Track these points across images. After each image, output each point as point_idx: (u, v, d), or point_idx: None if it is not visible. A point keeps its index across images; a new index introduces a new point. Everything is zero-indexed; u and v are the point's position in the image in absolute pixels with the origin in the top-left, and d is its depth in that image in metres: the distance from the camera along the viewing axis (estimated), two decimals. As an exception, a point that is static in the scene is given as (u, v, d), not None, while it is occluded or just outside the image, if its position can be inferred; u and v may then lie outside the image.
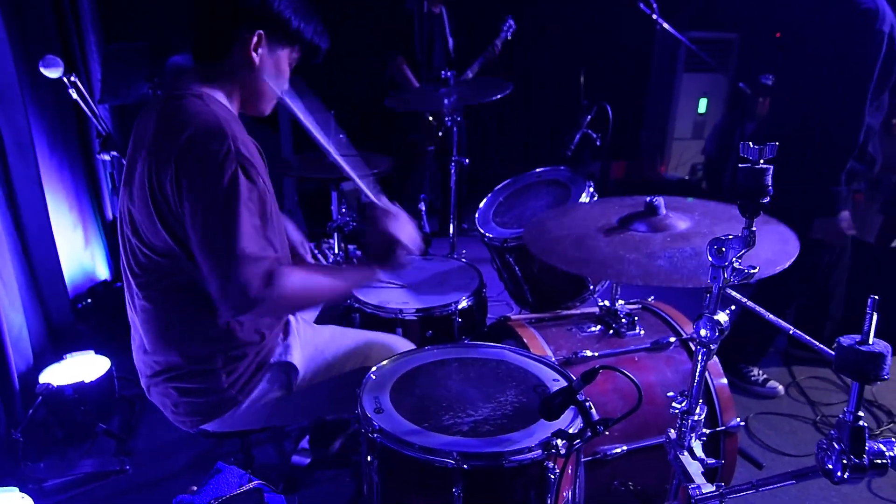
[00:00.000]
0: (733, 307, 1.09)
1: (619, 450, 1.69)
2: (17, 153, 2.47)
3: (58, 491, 2.21)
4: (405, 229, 1.54)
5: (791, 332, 1.07)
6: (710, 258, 1.03)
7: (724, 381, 1.77)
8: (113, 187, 2.48)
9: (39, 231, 2.66)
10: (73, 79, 2.17)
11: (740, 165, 0.96)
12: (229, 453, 2.40)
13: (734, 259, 1.00)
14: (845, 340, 0.85)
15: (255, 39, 1.40)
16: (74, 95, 2.21)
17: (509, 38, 3.69)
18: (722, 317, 1.05)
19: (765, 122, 4.38)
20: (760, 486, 0.97)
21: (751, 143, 0.94)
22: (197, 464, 2.37)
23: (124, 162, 2.45)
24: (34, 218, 2.61)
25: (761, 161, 0.94)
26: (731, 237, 1.00)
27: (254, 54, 1.41)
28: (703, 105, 5.45)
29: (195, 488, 1.31)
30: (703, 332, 1.06)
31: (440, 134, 3.72)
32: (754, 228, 0.97)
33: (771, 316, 1.11)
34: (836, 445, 0.85)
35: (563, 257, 1.42)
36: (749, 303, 1.17)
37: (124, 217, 1.44)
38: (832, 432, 0.87)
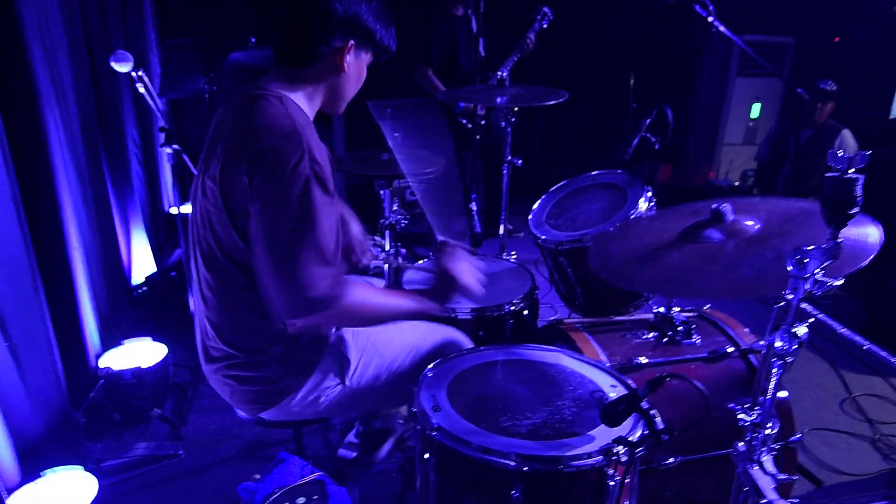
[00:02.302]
0: (811, 319, 1.05)
1: (671, 460, 1.66)
2: (87, 149, 2.55)
3: (114, 472, 2.28)
4: (467, 271, 1.59)
5: (866, 347, 1.03)
6: (790, 269, 0.99)
7: (786, 393, 1.71)
8: (174, 179, 2.53)
9: (102, 221, 2.75)
10: (140, 73, 2.23)
11: (826, 175, 0.93)
12: (279, 442, 2.44)
13: (817, 270, 0.97)
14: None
15: (347, 50, 1.43)
16: (141, 89, 2.27)
17: (545, 26, 3.52)
18: (801, 329, 1.01)
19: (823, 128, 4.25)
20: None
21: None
22: (247, 452, 2.41)
23: (185, 156, 2.53)
24: (99, 208, 2.69)
25: (851, 170, 0.91)
26: (812, 248, 0.97)
27: (345, 63, 1.44)
28: (755, 110, 5.31)
29: (258, 476, 1.33)
30: (778, 344, 1.03)
31: (478, 138, 3.72)
32: (840, 240, 0.93)
33: (843, 329, 1.07)
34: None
35: (640, 281, 1.39)
36: (824, 317, 1.13)
37: (196, 210, 1.47)
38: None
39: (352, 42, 1.43)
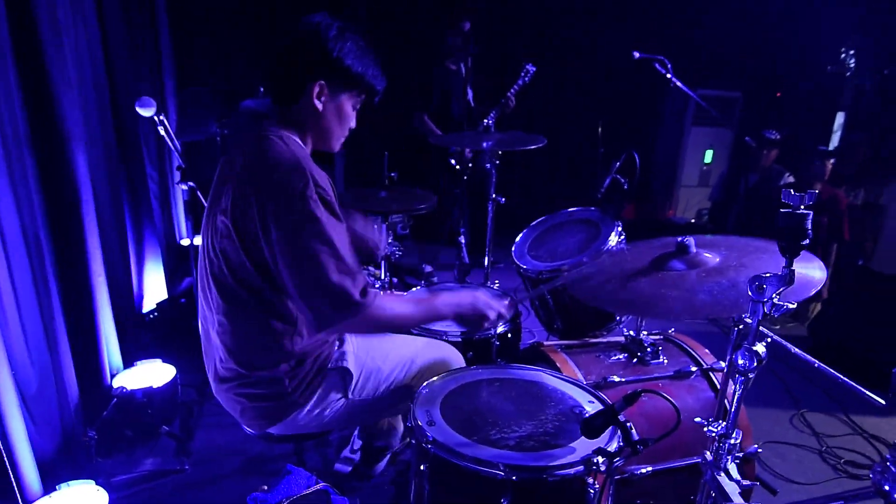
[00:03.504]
0: (769, 339, 1.07)
1: (644, 470, 1.66)
2: (110, 185, 2.55)
3: (124, 486, 2.22)
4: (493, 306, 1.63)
5: (816, 365, 1.06)
6: (750, 294, 1.02)
7: (742, 407, 1.73)
8: (188, 214, 2.52)
9: (119, 251, 2.72)
10: (161, 117, 2.25)
11: (781, 210, 0.96)
12: (280, 457, 2.39)
13: (773, 295, 0.99)
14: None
15: (316, 89, 1.42)
16: (161, 132, 2.28)
17: (527, 82, 3.58)
18: (760, 348, 1.03)
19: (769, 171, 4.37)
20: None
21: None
22: (250, 466, 2.36)
23: (199, 193, 2.52)
24: (115, 240, 2.67)
25: (802, 206, 0.94)
26: (769, 275, 1.00)
27: (317, 102, 1.43)
28: (708, 156, 5.46)
29: (266, 488, 1.30)
30: (740, 362, 1.05)
31: (465, 178, 3.78)
32: (794, 268, 0.96)
33: (795, 349, 1.09)
34: (892, 468, 0.83)
35: (612, 301, 1.42)
36: (776, 338, 1.16)
37: (207, 241, 1.47)
38: (888, 455, 0.85)
39: (321, 83, 1.41)
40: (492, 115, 3.63)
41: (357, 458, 2.29)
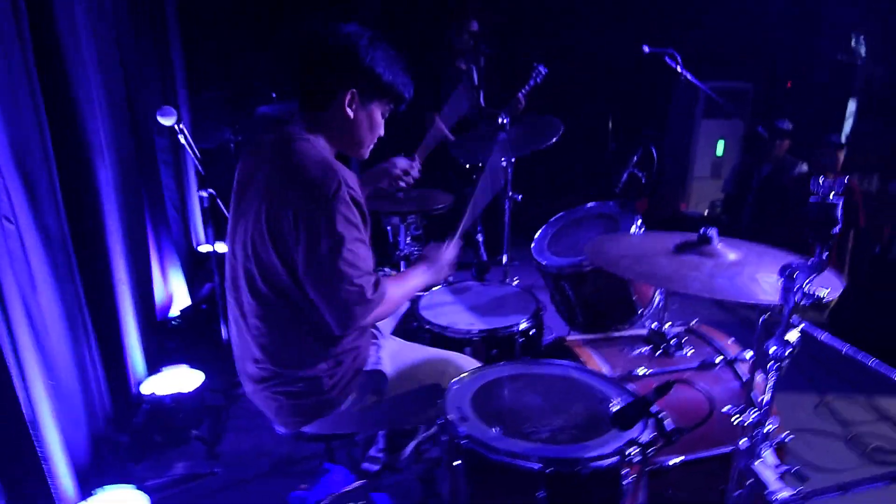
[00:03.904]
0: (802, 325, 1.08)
1: (675, 461, 1.67)
2: (131, 193, 2.59)
3: (157, 490, 2.25)
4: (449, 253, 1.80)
5: (871, 363, 1.06)
6: (781, 283, 1.03)
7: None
8: (209, 220, 2.55)
9: (140, 259, 2.77)
10: (181, 126, 2.28)
11: (811, 199, 0.98)
12: (307, 458, 2.42)
13: (805, 283, 1.00)
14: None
15: (349, 97, 1.44)
16: (182, 140, 2.31)
17: (539, 82, 3.58)
18: (792, 335, 1.04)
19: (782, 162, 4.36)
20: (849, 487, 0.95)
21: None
22: (279, 468, 2.39)
23: (218, 200, 2.55)
24: (139, 247, 2.72)
25: (831, 195, 0.95)
26: (800, 263, 1.01)
27: (348, 109, 1.45)
28: (720, 147, 5.44)
29: (305, 486, 1.33)
30: (773, 350, 1.06)
31: (474, 177, 3.78)
32: (824, 257, 0.97)
33: (823, 336, 1.10)
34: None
35: (628, 270, 1.44)
36: (807, 325, 1.16)
37: (237, 246, 1.50)
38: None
39: (353, 91, 1.44)
40: (502, 115, 3.64)
41: (383, 456, 2.32)
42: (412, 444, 2.19)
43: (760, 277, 1.21)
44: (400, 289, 1.57)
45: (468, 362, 1.78)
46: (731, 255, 1.47)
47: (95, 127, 2.24)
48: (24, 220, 1.78)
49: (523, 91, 3.53)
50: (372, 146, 1.58)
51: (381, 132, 1.57)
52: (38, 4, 1.91)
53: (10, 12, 1.72)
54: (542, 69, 3.46)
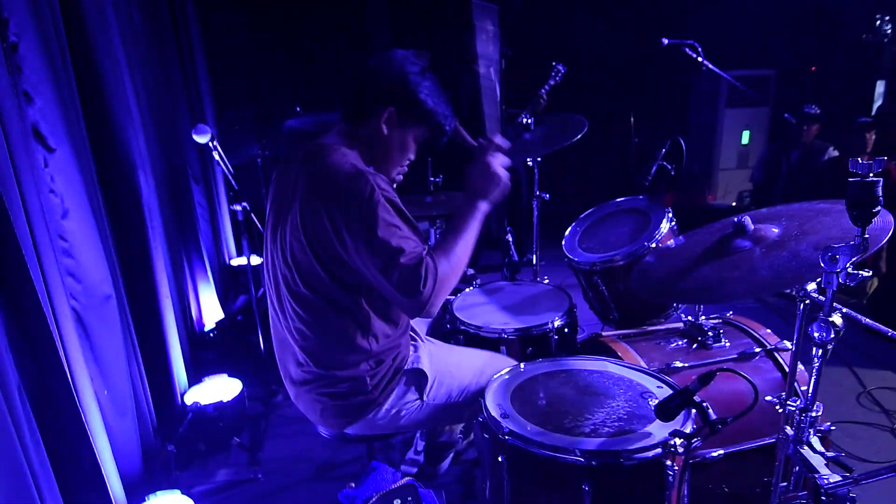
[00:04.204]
0: (845, 309, 1.07)
1: (716, 453, 1.65)
2: (168, 209, 2.67)
3: (203, 496, 2.31)
4: (498, 163, 1.54)
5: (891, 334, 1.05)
6: (822, 265, 1.02)
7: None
8: (244, 233, 2.61)
9: (178, 273, 2.85)
10: (215, 143, 2.35)
11: (850, 179, 0.97)
12: (347, 462, 2.46)
13: (847, 265, 1.00)
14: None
15: (386, 115, 1.49)
16: (216, 156, 2.38)
17: (558, 81, 3.57)
18: (837, 318, 1.04)
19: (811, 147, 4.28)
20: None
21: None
22: (319, 472, 2.43)
23: (252, 214, 2.61)
24: (176, 262, 2.79)
25: (870, 174, 0.95)
26: (842, 245, 1.00)
27: (383, 125, 1.50)
28: (745, 137, 5.37)
29: (353, 485, 1.36)
30: (817, 334, 1.05)
31: None
32: (867, 236, 0.97)
33: (867, 320, 1.09)
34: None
35: (678, 294, 1.44)
36: (848, 310, 1.15)
37: (277, 256, 1.54)
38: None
39: (391, 109, 1.48)
40: (524, 114, 3.64)
41: (421, 459, 2.34)
42: (450, 455, 2.21)
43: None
44: (457, 239, 1.47)
45: (505, 361, 1.80)
46: (773, 231, 1.44)
47: (138, 145, 2.31)
48: (79, 239, 1.85)
49: (544, 89, 3.52)
50: (400, 169, 1.61)
51: (412, 157, 1.60)
52: (79, 34, 1.99)
53: (56, 46, 1.80)
54: (562, 68, 3.45)
